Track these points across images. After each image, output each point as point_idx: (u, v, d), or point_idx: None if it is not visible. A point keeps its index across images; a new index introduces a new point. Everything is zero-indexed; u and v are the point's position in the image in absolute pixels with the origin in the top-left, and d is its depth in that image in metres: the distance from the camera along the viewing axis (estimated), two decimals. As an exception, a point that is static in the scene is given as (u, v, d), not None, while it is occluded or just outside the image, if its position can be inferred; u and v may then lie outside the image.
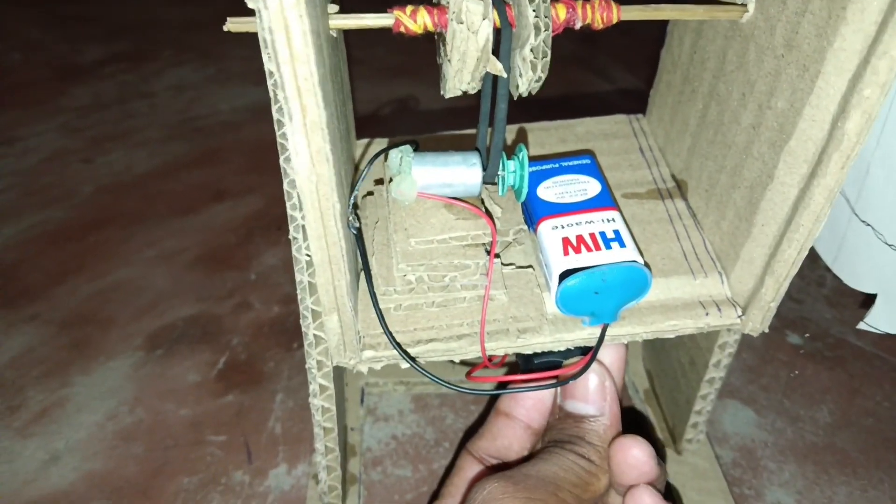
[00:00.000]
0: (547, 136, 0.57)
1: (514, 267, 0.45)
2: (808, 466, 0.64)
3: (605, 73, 1.26)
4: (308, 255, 0.39)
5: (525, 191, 0.45)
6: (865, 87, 0.33)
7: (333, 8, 0.39)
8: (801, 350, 0.75)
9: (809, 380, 0.72)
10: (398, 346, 0.40)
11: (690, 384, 0.57)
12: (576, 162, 0.49)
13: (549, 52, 0.37)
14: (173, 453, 0.64)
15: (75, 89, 1.24)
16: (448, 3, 0.36)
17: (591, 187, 0.47)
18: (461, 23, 0.36)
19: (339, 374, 0.51)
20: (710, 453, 0.62)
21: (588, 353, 0.43)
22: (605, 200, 0.46)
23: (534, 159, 0.49)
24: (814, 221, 0.38)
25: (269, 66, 0.31)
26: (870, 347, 0.76)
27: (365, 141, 0.56)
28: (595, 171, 0.48)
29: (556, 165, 0.49)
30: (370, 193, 0.48)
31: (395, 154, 0.41)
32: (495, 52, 0.38)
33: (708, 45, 0.46)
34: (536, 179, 0.48)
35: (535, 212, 0.46)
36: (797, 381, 0.72)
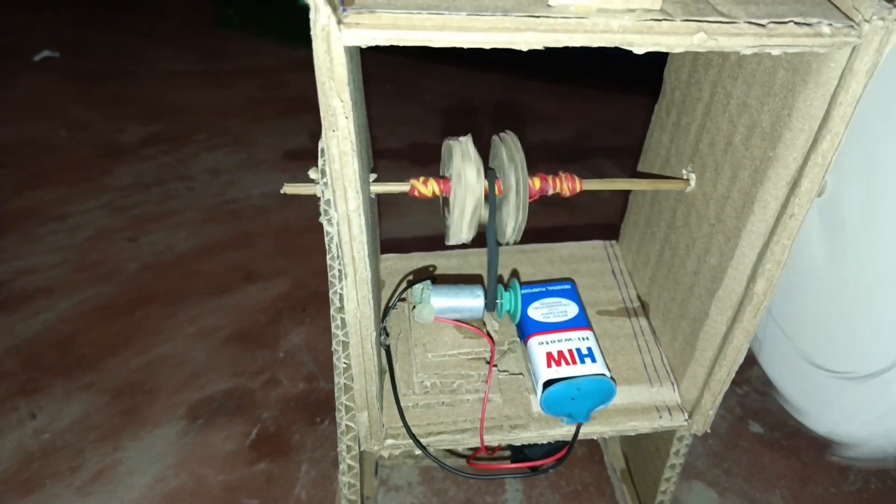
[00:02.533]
0: (538, 257, 0.69)
1: (507, 373, 0.57)
2: (759, 543, 0.74)
3: (600, 170, 1.40)
4: (346, 363, 0.50)
5: (519, 314, 0.56)
6: (767, 262, 0.45)
7: (373, 176, 0.51)
8: (762, 438, 0.86)
9: (767, 466, 0.82)
10: (414, 437, 0.51)
11: (657, 468, 0.68)
12: (559, 287, 0.61)
13: (527, 213, 0.49)
14: (212, 514, 0.74)
15: (118, 169, 1.38)
16: (451, 174, 0.49)
17: (571, 310, 0.59)
18: (461, 180, 0.48)
19: (361, 454, 0.61)
20: (674, 529, 0.72)
21: (565, 447, 0.54)
22: (581, 321, 0.58)
23: (527, 281, 0.61)
24: (737, 353, 0.50)
25: (327, 227, 0.43)
26: (823, 438, 0.87)
27: (387, 256, 0.68)
28: (574, 295, 0.60)
29: (544, 289, 0.60)
30: (394, 307, 0.60)
31: (418, 288, 0.53)
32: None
33: (663, 202, 0.58)
34: (528, 300, 0.59)
35: (526, 328, 0.58)
36: (756, 466, 0.82)
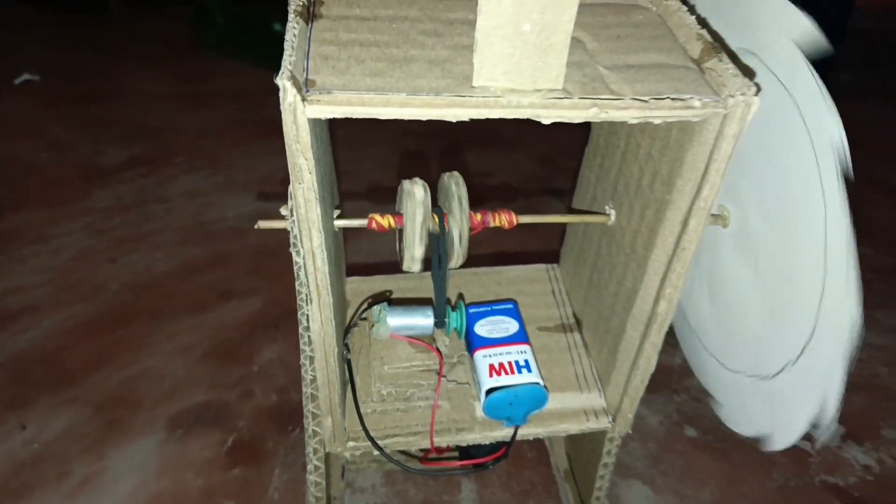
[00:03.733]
0: (488, 279, 0.77)
1: (456, 383, 0.65)
2: (688, 535, 0.82)
3: (561, 194, 1.49)
4: (312, 375, 0.58)
5: (464, 331, 0.65)
6: (667, 286, 0.53)
7: (337, 212, 0.59)
8: (696, 442, 0.94)
9: (700, 466, 0.91)
10: (372, 439, 0.59)
11: (594, 467, 0.76)
12: (502, 307, 0.69)
13: (467, 243, 0.57)
14: (191, 515, 0.81)
15: (98, 191, 1.44)
16: (404, 210, 0.56)
17: (512, 326, 0.67)
18: (411, 215, 0.55)
19: (328, 457, 0.69)
20: (611, 522, 0.80)
21: (504, 446, 0.62)
22: (521, 337, 0.66)
23: (476, 301, 0.69)
24: (647, 364, 0.58)
25: (296, 258, 0.50)
26: (752, 442, 0.95)
27: (353, 279, 0.76)
28: (515, 314, 0.68)
29: (489, 309, 0.69)
30: (356, 325, 0.68)
31: (376, 308, 0.61)
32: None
33: (592, 232, 0.67)
34: (475, 319, 0.67)
35: (472, 343, 0.66)
36: (689, 467, 0.91)
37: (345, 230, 0.62)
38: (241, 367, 1.01)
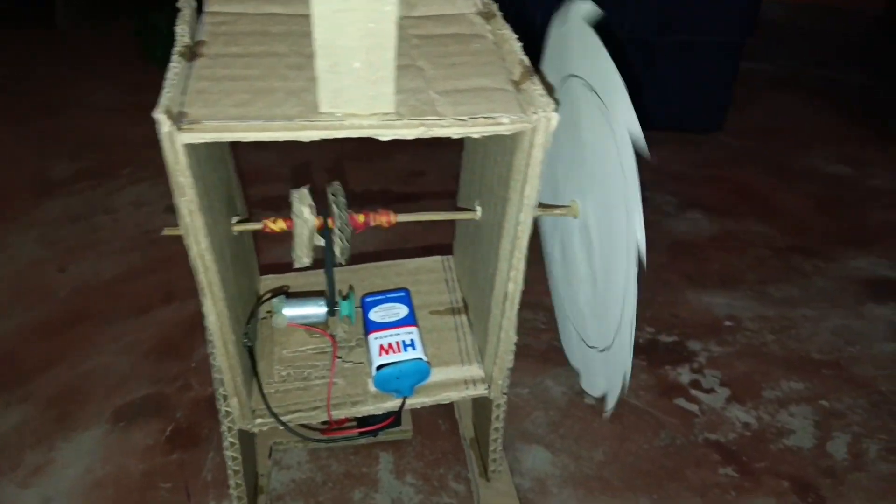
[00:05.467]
0: (389, 271, 0.87)
1: (352, 363, 0.74)
2: (580, 491, 0.93)
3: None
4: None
5: (354, 317, 0.74)
6: (512, 269, 0.63)
7: (236, 218, 0.68)
8: (594, 408, 1.05)
9: (595, 430, 1.02)
10: (275, 415, 0.68)
11: (489, 433, 0.86)
12: (395, 295, 0.79)
13: (349, 241, 0.67)
14: (134, 496, 0.89)
15: (48, 203, 1.51)
16: (293, 216, 0.66)
17: (402, 311, 0.77)
18: (299, 218, 0.65)
19: (246, 435, 0.78)
20: (509, 480, 0.90)
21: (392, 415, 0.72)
22: (409, 320, 0.76)
23: (374, 291, 0.79)
24: (507, 337, 0.68)
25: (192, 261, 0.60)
26: (644, 406, 1.07)
27: (268, 276, 0.85)
28: (406, 300, 0.78)
29: (384, 297, 0.78)
30: (265, 317, 0.77)
31: (274, 301, 0.70)
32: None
33: (470, 226, 0.77)
34: (370, 306, 0.77)
35: (367, 327, 0.75)
36: (586, 430, 1.01)
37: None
38: (180, 362, 1.09)
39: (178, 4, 0.63)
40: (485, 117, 0.53)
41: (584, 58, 0.67)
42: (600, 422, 1.03)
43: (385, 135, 0.53)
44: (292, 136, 0.51)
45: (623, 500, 0.92)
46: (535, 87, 0.56)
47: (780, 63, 2.39)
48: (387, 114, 0.52)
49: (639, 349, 1.17)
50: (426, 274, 0.87)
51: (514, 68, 0.59)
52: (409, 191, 1.62)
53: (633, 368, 1.12)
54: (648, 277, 1.34)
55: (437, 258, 0.90)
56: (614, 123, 0.63)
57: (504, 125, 0.53)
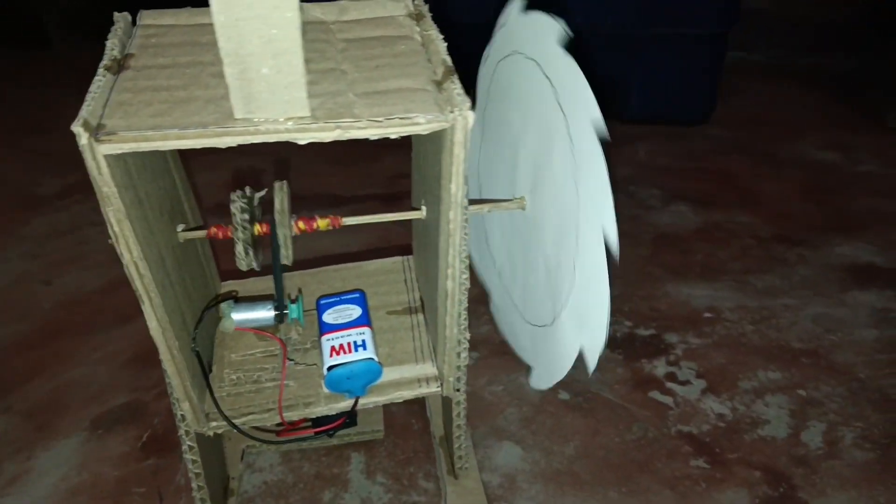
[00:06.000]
0: (349, 273, 0.88)
1: (305, 365, 0.75)
2: (550, 486, 0.93)
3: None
4: (172, 367, 0.68)
5: (303, 320, 0.75)
6: (448, 266, 0.64)
7: (182, 226, 0.69)
8: (567, 403, 1.05)
9: (567, 425, 1.02)
10: (226, 417, 0.70)
11: (452, 431, 0.87)
12: (350, 296, 0.79)
13: (290, 245, 0.67)
14: (108, 503, 0.91)
15: (35, 219, 1.54)
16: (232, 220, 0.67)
17: (355, 313, 0.77)
18: (237, 224, 0.66)
19: (208, 439, 0.79)
20: (478, 477, 0.91)
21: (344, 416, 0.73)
22: (362, 321, 0.77)
23: (330, 294, 0.80)
24: (451, 334, 0.69)
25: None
26: (618, 400, 1.06)
27: (228, 282, 0.86)
28: (360, 301, 0.79)
29: (338, 299, 0.79)
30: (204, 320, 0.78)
31: (222, 305, 0.72)
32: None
33: (420, 225, 0.78)
34: (324, 308, 0.78)
35: (321, 329, 0.76)
36: (558, 425, 1.02)
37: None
38: (158, 370, 1.08)
39: (114, 18, 0.65)
40: (400, 118, 0.54)
41: (535, 41, 0.67)
42: (573, 417, 1.03)
43: (301, 138, 0.53)
44: (209, 142, 0.52)
45: (592, 493, 0.92)
46: (454, 86, 0.57)
47: (768, 52, 2.37)
48: (302, 117, 0.53)
49: (615, 343, 1.17)
50: (385, 275, 0.88)
51: (438, 68, 0.60)
52: (394, 191, 1.63)
53: (607, 363, 1.13)
54: (627, 272, 1.35)
55: (398, 259, 0.90)
56: (563, 101, 0.63)
57: (421, 125, 0.54)
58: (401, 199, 1.58)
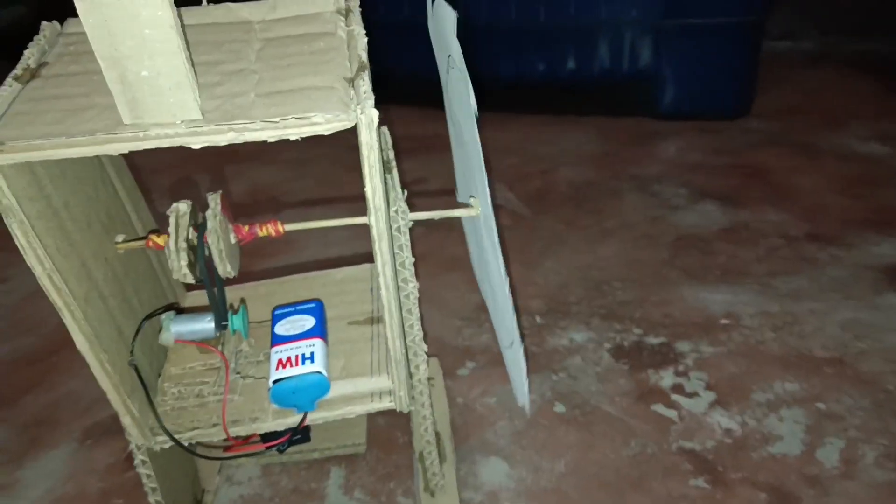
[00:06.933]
0: (315, 282, 0.85)
1: (253, 378, 0.73)
2: (533, 504, 0.88)
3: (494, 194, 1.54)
4: (113, 381, 0.66)
5: (246, 332, 0.73)
6: (382, 287, 0.60)
7: (121, 237, 0.68)
8: (562, 416, 1.00)
9: (560, 440, 0.96)
10: (168, 433, 0.68)
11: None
12: (306, 306, 0.77)
13: (230, 254, 0.65)
14: (87, 514, 0.91)
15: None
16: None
17: (308, 323, 0.74)
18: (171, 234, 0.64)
19: (167, 452, 0.77)
20: (455, 494, 0.86)
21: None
22: (314, 332, 0.73)
23: (287, 303, 0.77)
24: (393, 345, 0.65)
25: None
26: (617, 413, 1.00)
27: (193, 293, 0.85)
28: (316, 311, 0.76)
29: (293, 309, 0.76)
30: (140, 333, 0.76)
31: (163, 317, 0.70)
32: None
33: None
34: (277, 319, 0.75)
35: (272, 342, 0.74)
36: (550, 440, 0.96)
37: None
38: None
39: (41, 27, 0.64)
40: (297, 118, 0.51)
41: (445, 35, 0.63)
42: (566, 430, 0.97)
43: (195, 143, 0.51)
44: (99, 150, 0.50)
45: (578, 514, 0.86)
46: (362, 83, 0.53)
47: (815, 39, 2.23)
48: (194, 121, 0.51)
49: (621, 353, 1.11)
50: (352, 283, 0.85)
51: (354, 64, 0.56)
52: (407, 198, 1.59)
53: (610, 374, 1.07)
54: (642, 276, 1.28)
55: (367, 266, 0.87)
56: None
57: (320, 125, 0.51)
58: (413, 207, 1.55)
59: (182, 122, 0.50)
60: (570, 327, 1.16)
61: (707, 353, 1.09)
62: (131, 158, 1.65)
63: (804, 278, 1.24)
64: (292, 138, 0.51)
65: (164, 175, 1.75)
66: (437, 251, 1.38)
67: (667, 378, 1.05)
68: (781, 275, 1.25)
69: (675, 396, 1.02)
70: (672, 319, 1.17)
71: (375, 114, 0.51)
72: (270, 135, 0.51)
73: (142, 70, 0.48)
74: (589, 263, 1.33)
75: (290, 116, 0.50)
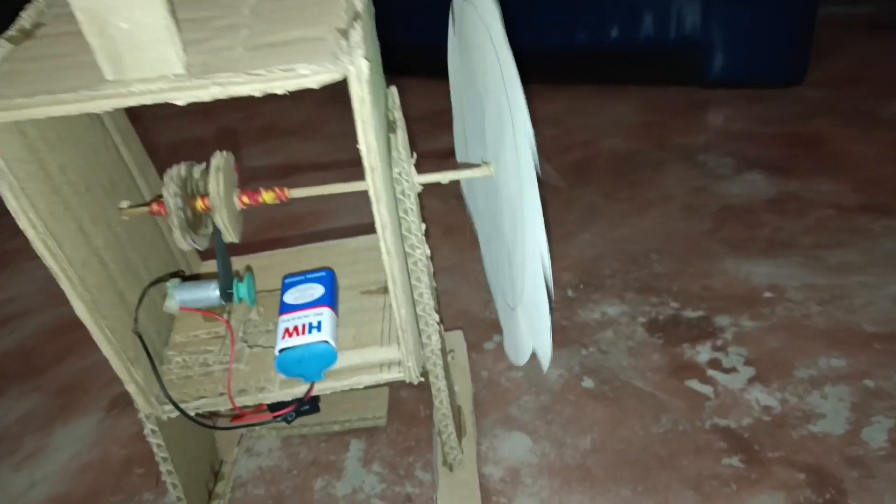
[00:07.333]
0: (330, 251, 0.83)
1: (261, 347, 0.71)
2: (556, 481, 0.85)
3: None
4: (119, 348, 0.66)
5: (252, 300, 0.71)
6: (386, 252, 0.58)
7: (126, 203, 0.67)
8: (591, 392, 0.96)
9: (587, 415, 0.93)
10: (172, 401, 0.67)
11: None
12: (316, 275, 0.75)
13: (233, 220, 0.63)
14: (110, 481, 0.92)
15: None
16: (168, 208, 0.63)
17: (317, 292, 0.72)
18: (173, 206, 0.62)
19: (179, 421, 0.76)
20: (474, 470, 0.84)
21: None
22: (323, 301, 0.71)
23: (296, 272, 0.76)
24: (398, 314, 0.62)
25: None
26: (649, 389, 0.96)
27: (209, 261, 0.84)
28: (326, 280, 0.74)
29: (303, 278, 0.74)
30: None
31: (168, 284, 0.69)
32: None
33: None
34: (287, 288, 0.74)
35: (280, 310, 0.72)
36: (576, 415, 0.93)
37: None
38: None
39: (40, -11, 0.62)
40: (282, 70, 0.48)
41: None
42: (594, 406, 0.94)
43: (179, 98, 0.49)
44: (82, 107, 0.49)
45: (602, 490, 0.83)
46: (355, 33, 0.50)
47: (868, 2, 2.10)
48: (177, 75, 0.48)
49: (656, 326, 1.06)
50: (365, 252, 0.82)
51: (349, 13, 0.53)
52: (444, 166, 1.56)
53: (643, 348, 1.02)
54: (682, 248, 1.22)
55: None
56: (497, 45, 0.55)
57: (307, 77, 0.48)
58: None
59: (164, 76, 0.48)
60: (602, 301, 1.12)
61: (748, 327, 1.04)
62: (175, 131, 1.66)
63: (855, 251, 1.16)
64: (279, 92, 0.49)
65: (208, 149, 1.75)
66: (467, 225, 1.34)
67: (703, 353, 1.00)
68: (831, 247, 1.18)
69: (711, 372, 0.97)
70: (712, 292, 1.12)
71: (366, 64, 0.48)
72: (255, 88, 0.48)
73: (121, 22, 0.46)
74: (626, 236, 1.28)
75: (274, 68, 0.48)
